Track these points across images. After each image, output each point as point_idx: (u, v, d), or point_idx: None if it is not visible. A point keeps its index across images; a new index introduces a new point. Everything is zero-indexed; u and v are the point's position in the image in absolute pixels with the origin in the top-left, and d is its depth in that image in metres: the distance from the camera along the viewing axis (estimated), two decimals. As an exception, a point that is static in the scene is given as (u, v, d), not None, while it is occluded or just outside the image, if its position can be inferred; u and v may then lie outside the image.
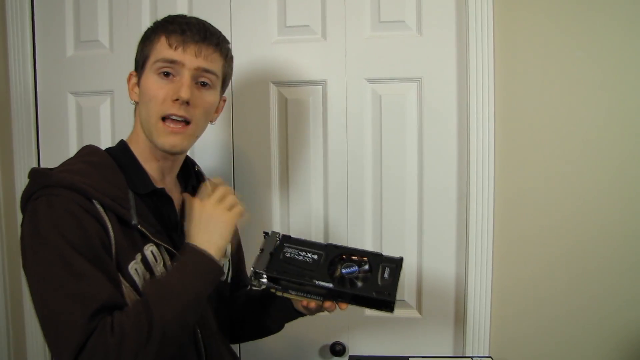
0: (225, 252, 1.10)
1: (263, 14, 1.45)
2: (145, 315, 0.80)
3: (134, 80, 0.99)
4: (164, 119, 0.93)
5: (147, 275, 0.90)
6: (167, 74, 0.93)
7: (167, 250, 0.94)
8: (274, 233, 1.01)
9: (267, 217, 1.48)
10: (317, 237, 1.46)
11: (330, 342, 1.47)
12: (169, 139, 0.93)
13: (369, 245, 1.44)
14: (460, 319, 1.41)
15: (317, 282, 0.93)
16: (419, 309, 1.44)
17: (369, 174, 1.43)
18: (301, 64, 1.44)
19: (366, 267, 0.96)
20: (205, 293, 0.89)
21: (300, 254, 0.97)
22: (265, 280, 0.94)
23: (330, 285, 0.92)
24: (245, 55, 1.42)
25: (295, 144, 1.46)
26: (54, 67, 1.56)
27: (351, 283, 0.94)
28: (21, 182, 1.56)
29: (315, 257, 0.97)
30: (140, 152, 0.98)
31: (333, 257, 0.97)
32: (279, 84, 1.46)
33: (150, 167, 0.99)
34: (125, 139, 1.02)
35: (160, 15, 1.44)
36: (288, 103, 1.46)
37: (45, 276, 0.81)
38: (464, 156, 1.38)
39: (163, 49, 0.93)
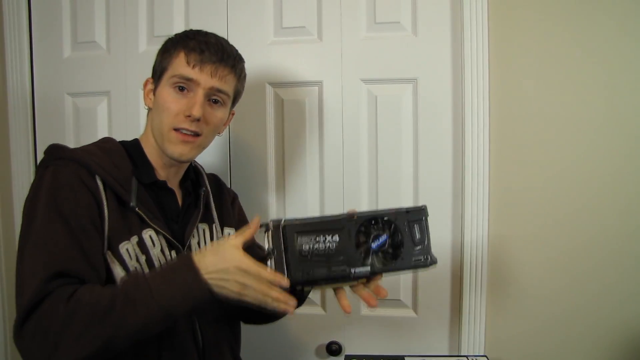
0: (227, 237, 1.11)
1: (259, 15, 1.46)
2: (109, 303, 0.79)
3: (150, 86, 1.04)
4: (175, 129, 0.98)
5: (143, 258, 0.93)
6: (181, 89, 0.97)
7: (165, 238, 0.97)
8: (275, 222, 0.86)
9: (264, 218, 1.48)
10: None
11: (326, 341, 1.47)
12: (178, 147, 0.98)
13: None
14: (455, 318, 1.42)
15: (354, 270, 0.84)
16: (415, 308, 1.44)
17: (364, 174, 1.44)
18: (297, 65, 1.45)
19: (393, 230, 0.86)
20: (181, 312, 0.82)
21: (318, 241, 0.84)
22: (297, 288, 0.83)
23: (367, 269, 0.84)
24: (242, 56, 1.43)
25: (292, 145, 1.47)
26: (51, 68, 1.56)
27: (385, 255, 0.86)
28: (19, 182, 1.56)
29: (337, 238, 0.84)
30: (149, 153, 1.03)
31: (355, 232, 0.85)
32: (275, 84, 1.47)
33: (158, 168, 1.03)
34: (138, 138, 1.06)
35: (157, 17, 1.50)
36: (284, 104, 1.47)
37: (26, 231, 0.86)
38: (459, 156, 1.39)
39: (181, 66, 0.97)
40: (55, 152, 0.94)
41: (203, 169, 1.18)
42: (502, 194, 1.36)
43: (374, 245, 0.85)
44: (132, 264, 0.91)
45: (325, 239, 0.84)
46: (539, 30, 1.33)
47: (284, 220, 0.85)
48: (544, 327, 1.36)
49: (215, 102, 1.00)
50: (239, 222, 1.17)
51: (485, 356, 1.32)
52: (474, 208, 1.36)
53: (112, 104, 1.53)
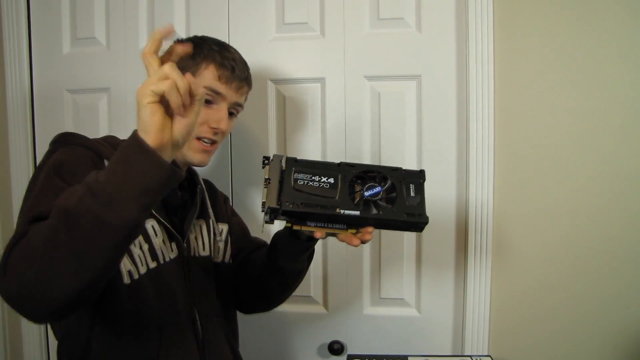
0: (220, 232, 1.14)
1: (261, 11, 1.44)
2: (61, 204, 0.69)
3: None
4: (197, 138, 1.02)
5: (146, 246, 0.94)
6: (208, 101, 1.01)
7: (166, 229, 0.98)
8: (277, 157, 0.90)
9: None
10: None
11: (329, 341, 1.46)
12: (198, 155, 1.02)
13: (366, 246, 1.44)
14: (459, 317, 1.41)
15: (342, 211, 0.86)
16: (418, 307, 1.43)
17: (367, 172, 1.43)
18: (299, 61, 1.43)
19: (389, 185, 0.89)
20: (136, 189, 0.66)
21: (313, 180, 0.88)
22: (282, 216, 0.86)
23: (357, 213, 0.86)
24: (243, 52, 1.39)
25: (294, 142, 1.45)
26: (51, 65, 1.55)
27: (377, 206, 0.88)
28: (17, 180, 1.55)
29: (332, 180, 0.88)
30: None
31: (351, 178, 0.89)
32: (277, 81, 1.45)
33: None
34: None
35: (157, 12, 1.48)
36: (286, 101, 1.45)
37: (25, 200, 0.86)
38: (463, 154, 1.37)
39: (211, 79, 1.00)
40: (65, 139, 0.96)
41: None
42: (506, 192, 1.35)
43: (366, 193, 0.88)
44: (135, 250, 0.93)
45: (321, 179, 0.88)
46: (544, 26, 1.32)
47: (285, 156, 0.90)
48: (548, 327, 1.35)
49: (231, 114, 1.05)
50: (232, 219, 1.21)
51: (489, 356, 1.30)
52: (477, 207, 1.35)
53: (112, 100, 1.52)
